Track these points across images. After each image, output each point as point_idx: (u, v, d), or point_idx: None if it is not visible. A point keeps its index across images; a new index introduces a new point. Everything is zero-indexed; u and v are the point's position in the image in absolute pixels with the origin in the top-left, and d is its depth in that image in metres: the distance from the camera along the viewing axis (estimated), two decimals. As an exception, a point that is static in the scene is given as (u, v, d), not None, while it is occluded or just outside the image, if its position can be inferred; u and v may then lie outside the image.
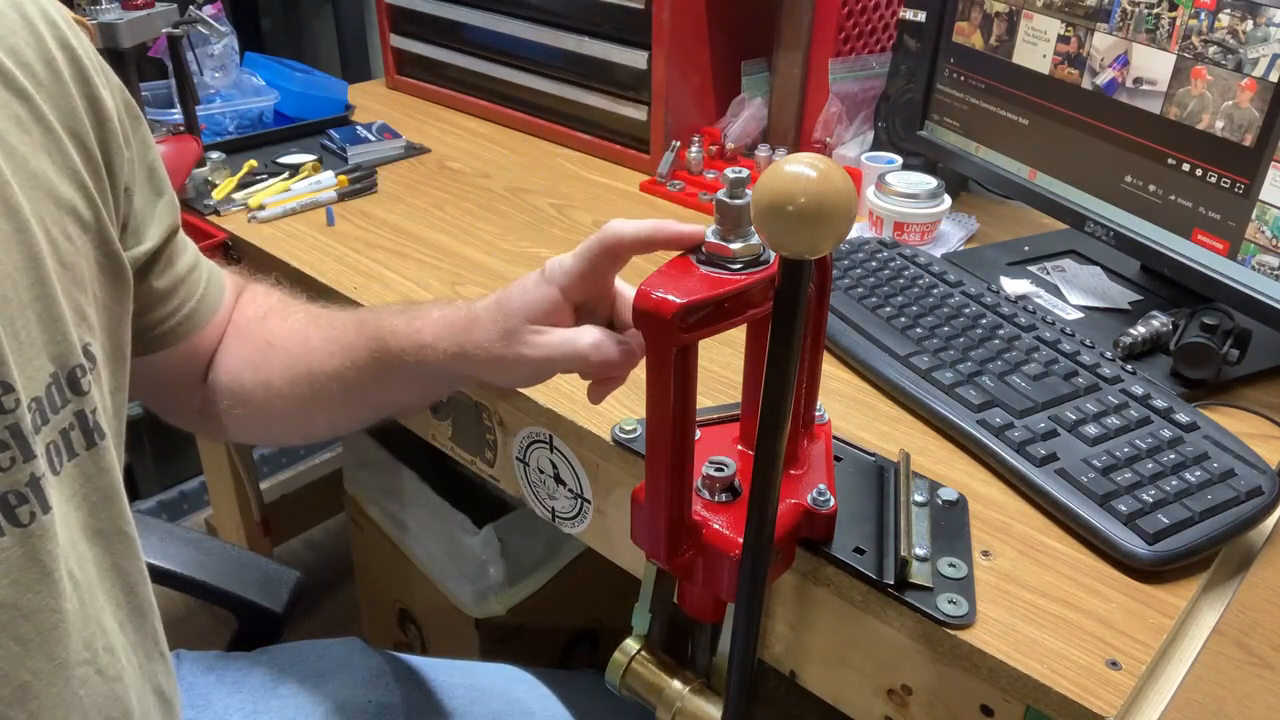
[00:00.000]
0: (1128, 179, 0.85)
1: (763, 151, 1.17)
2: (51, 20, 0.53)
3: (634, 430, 0.71)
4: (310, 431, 0.72)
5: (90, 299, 0.52)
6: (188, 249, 0.67)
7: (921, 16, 1.07)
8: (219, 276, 0.70)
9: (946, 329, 0.80)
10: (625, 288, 0.60)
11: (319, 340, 0.66)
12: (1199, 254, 0.81)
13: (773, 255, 0.51)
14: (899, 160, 1.10)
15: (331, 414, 0.68)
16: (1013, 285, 0.93)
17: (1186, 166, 0.80)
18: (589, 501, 0.78)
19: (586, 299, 0.58)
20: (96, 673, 0.51)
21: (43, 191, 0.49)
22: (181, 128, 1.14)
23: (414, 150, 1.28)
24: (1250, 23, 0.73)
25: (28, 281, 0.47)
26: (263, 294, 0.73)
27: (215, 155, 1.14)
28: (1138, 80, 0.83)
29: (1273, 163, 0.74)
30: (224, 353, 0.70)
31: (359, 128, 1.30)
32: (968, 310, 0.83)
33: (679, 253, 0.53)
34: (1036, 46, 0.91)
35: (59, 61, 0.52)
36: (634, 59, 1.18)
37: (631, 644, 0.63)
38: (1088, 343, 0.78)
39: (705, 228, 0.52)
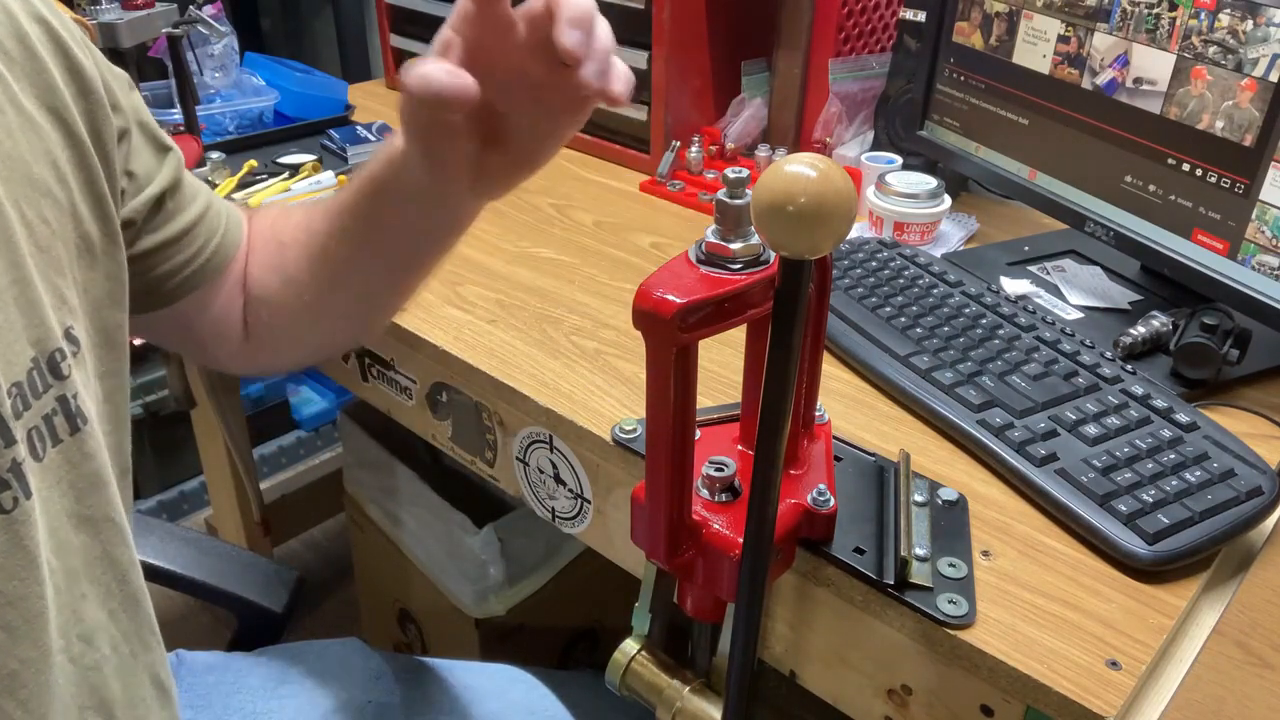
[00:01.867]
0: (1128, 179, 0.85)
1: (763, 151, 1.17)
2: None
3: (634, 430, 0.71)
4: (346, 314, 0.71)
5: (69, 282, 0.52)
6: (199, 193, 0.67)
7: (921, 16, 1.06)
8: (236, 213, 0.71)
9: (946, 329, 0.80)
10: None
11: (319, 219, 0.67)
12: (1199, 254, 0.81)
13: (773, 255, 0.51)
14: (899, 160, 1.09)
15: (351, 285, 0.67)
16: (1013, 285, 0.93)
17: (1186, 166, 0.80)
18: (589, 501, 0.78)
19: (481, 33, 0.51)
20: (70, 661, 0.51)
21: (18, 174, 0.49)
22: (181, 128, 1.14)
23: (414, 150, 1.28)
24: (1250, 23, 0.73)
25: (3, 265, 0.47)
26: (264, 210, 0.75)
27: (215, 155, 1.14)
28: (1138, 80, 0.83)
29: (1273, 163, 0.74)
30: (249, 270, 0.71)
31: (359, 128, 1.30)
32: (968, 310, 0.83)
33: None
34: (1036, 46, 0.91)
35: (32, 38, 0.51)
36: (634, 59, 1.18)
37: (631, 644, 0.63)
38: (1088, 343, 0.78)
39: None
